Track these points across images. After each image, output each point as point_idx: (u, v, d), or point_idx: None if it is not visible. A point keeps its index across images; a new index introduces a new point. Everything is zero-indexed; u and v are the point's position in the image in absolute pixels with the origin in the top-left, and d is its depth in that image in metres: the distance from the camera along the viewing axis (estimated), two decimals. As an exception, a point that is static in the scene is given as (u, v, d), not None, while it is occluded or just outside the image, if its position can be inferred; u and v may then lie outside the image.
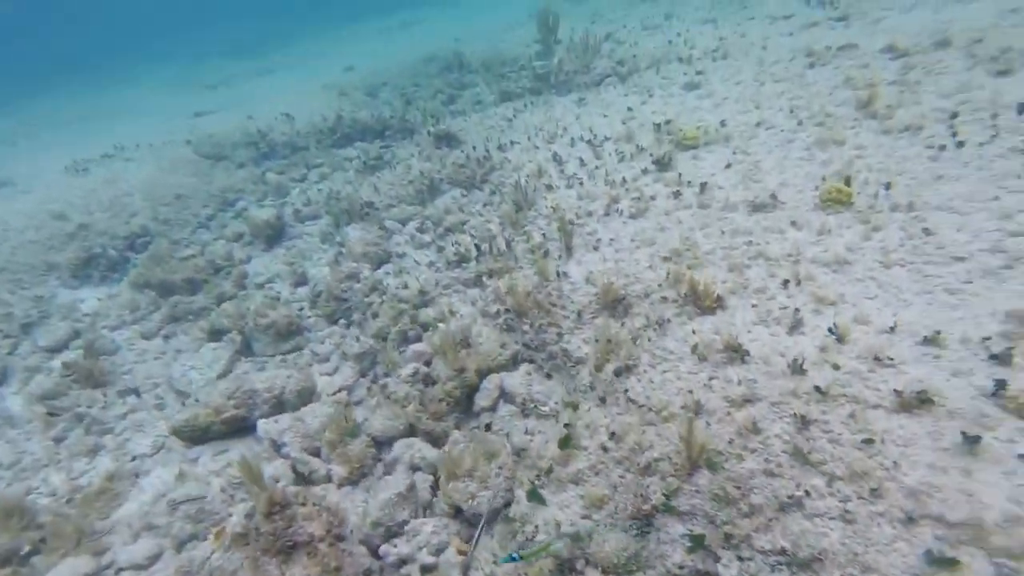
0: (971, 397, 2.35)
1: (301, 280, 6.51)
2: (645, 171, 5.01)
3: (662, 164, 4.92)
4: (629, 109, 6.65)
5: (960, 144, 3.94)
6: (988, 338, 2.57)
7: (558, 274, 4.19)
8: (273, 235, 7.52)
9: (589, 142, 6.01)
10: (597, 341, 3.50)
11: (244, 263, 7.32)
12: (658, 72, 7.87)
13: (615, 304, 3.72)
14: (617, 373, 3.20)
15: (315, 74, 16.37)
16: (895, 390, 2.44)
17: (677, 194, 4.45)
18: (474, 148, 7.18)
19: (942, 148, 4.00)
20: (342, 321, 5.51)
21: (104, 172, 10.38)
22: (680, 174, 4.69)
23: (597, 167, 5.48)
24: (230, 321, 5.81)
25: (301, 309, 5.93)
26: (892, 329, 2.78)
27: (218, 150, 10.76)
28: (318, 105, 12.10)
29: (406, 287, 5.30)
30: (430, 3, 27.07)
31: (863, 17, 7.73)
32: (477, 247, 5.13)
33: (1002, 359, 2.44)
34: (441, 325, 4.60)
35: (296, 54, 20.90)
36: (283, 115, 11.69)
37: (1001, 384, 2.29)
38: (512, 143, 6.93)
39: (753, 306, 3.24)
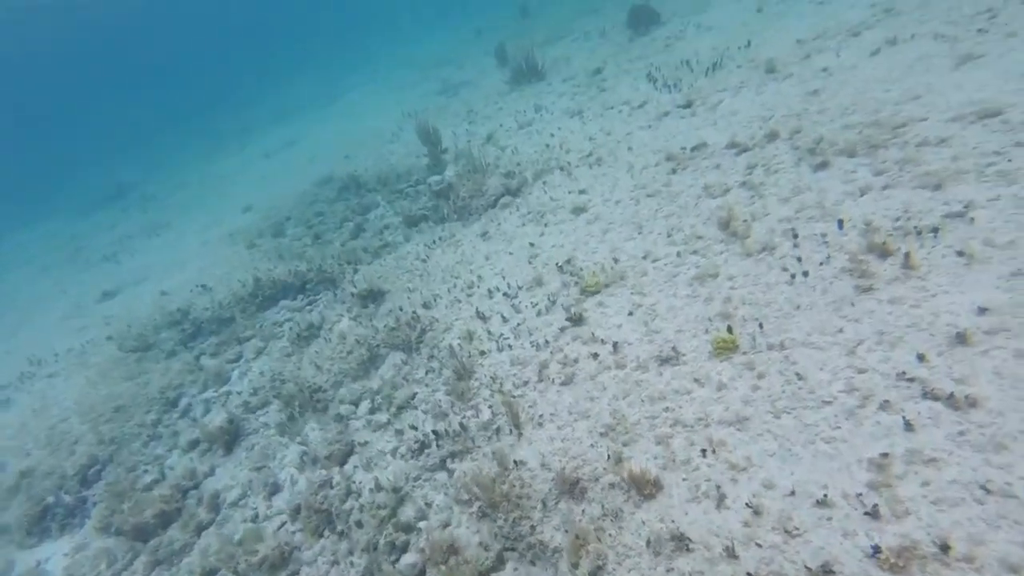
0: (859, 560, 3.03)
1: (273, 488, 6.73)
2: (562, 329, 5.65)
3: (575, 320, 5.59)
4: (531, 244, 7.35)
5: (805, 273, 4.79)
6: (860, 493, 3.29)
7: (515, 463, 4.72)
8: (230, 439, 7.68)
9: (505, 294, 6.63)
10: (567, 532, 4.04)
11: (209, 475, 7.43)
12: (545, 188, 8.66)
13: (572, 488, 4.28)
14: (592, 574, 3.73)
15: (215, 218, 16.40)
16: (806, 567, 3.10)
17: (595, 355, 5.11)
18: (401, 309, 7.67)
19: (793, 276, 4.85)
20: (329, 535, 5.80)
21: (29, 399, 10.11)
22: (593, 333, 5.36)
23: (519, 324, 6.09)
24: (220, 561, 5.96)
25: (283, 525, 6.16)
26: (793, 493, 3.47)
27: (142, 340, 10.72)
28: (230, 265, 12.24)
29: (379, 487, 5.67)
30: (298, 114, 27.47)
31: (703, 102, 8.84)
32: (435, 433, 5.59)
33: (873, 514, 3.15)
34: (423, 525, 5.01)
35: (189, 195, 20.73)
36: (199, 287, 11.78)
37: (876, 549, 2.98)
38: (435, 298, 7.46)
39: (683, 480, 3.87)
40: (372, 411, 6.79)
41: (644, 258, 6.01)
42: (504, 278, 6.98)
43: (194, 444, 8.02)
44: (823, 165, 6.13)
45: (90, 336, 11.75)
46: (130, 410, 9.10)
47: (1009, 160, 4.93)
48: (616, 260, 6.17)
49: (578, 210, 7.51)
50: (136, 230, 18.50)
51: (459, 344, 6.41)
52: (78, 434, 8.91)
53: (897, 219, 4.93)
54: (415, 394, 6.47)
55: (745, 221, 5.78)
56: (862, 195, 5.46)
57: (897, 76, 7.06)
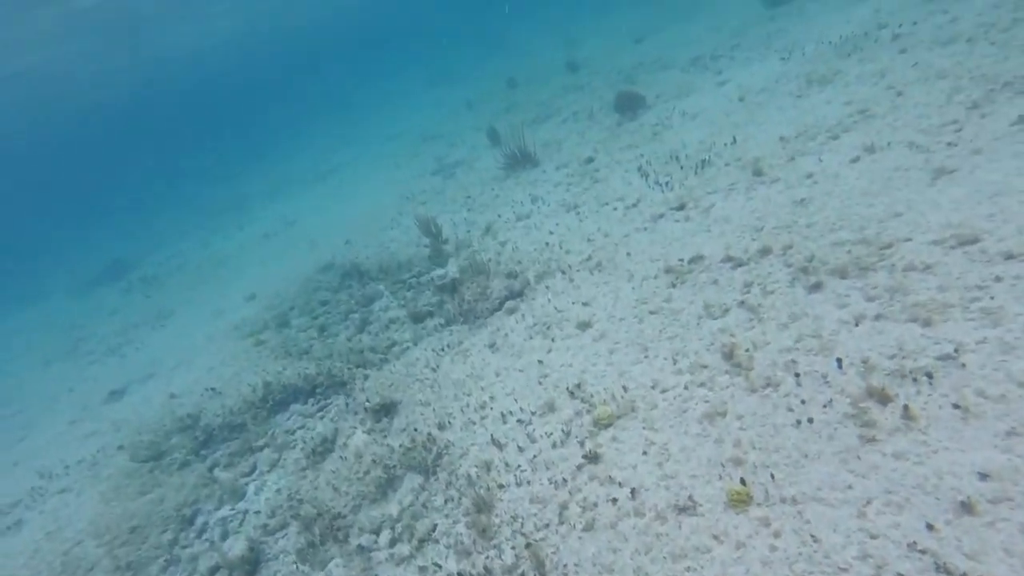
0: None
1: (297, 627, 6.75)
2: (579, 467, 5.84)
3: (591, 458, 5.78)
4: (540, 362, 7.59)
5: (810, 420, 5.03)
6: None
7: (544, 619, 4.83)
8: (251, 568, 7.70)
9: (519, 420, 6.83)
10: None
11: (230, 608, 7.42)
12: (548, 294, 8.98)
13: (602, 651, 4.39)
14: None
15: (219, 307, 16.63)
16: None
17: (614, 500, 5.29)
18: (416, 429, 7.84)
19: (799, 421, 5.09)
20: None
21: (41, 520, 10.09)
22: (611, 475, 5.55)
23: (535, 456, 6.26)
24: None
25: (310, 671, 6.18)
26: (819, 674, 3.62)
27: (154, 448, 10.79)
28: (239, 364, 12.39)
29: (407, 634, 5.74)
30: (293, 188, 28.10)
31: (696, 204, 9.25)
32: (460, 575, 5.69)
33: None
34: None
35: (189, 278, 21.00)
36: (209, 390, 11.91)
37: None
38: (449, 418, 7.64)
39: (712, 652, 4.01)
40: (393, 542, 6.87)
41: (653, 388, 6.25)
42: (516, 400, 7.19)
43: (214, 570, 8.03)
44: (817, 287, 6.45)
45: (100, 443, 11.80)
46: (146, 530, 9.12)
47: (991, 297, 5.25)
48: (625, 389, 6.40)
49: (583, 325, 7.79)
50: (139, 319, 18.67)
51: (476, 473, 6.56)
52: (94, 559, 8.89)
53: (892, 357, 5.20)
54: (435, 525, 6.58)
55: (747, 351, 6.05)
56: (856, 325, 5.75)
57: (878, 189, 7.47)
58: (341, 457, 8.51)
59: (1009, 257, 5.58)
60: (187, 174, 50.20)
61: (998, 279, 5.40)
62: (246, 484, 9.37)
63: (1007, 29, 9.72)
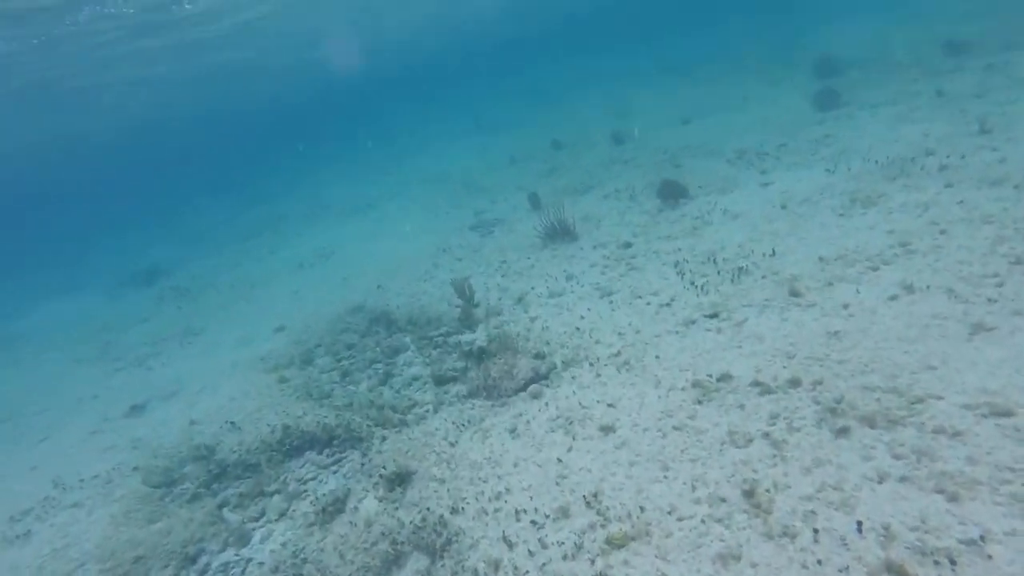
0: None
1: None
2: (589, 587, 5.88)
3: (601, 579, 5.82)
4: (559, 460, 7.69)
5: (826, 584, 5.05)
6: None
7: None
8: (249, 627, 7.77)
9: (532, 521, 6.90)
10: None
11: (221, 664, 7.47)
12: (574, 386, 9.12)
13: None
14: None
15: (247, 333, 17.02)
16: None
17: (621, 632, 5.31)
18: (428, 509, 7.94)
19: (814, 583, 5.10)
20: None
21: (49, 534, 10.29)
22: (621, 605, 5.58)
23: (545, 564, 6.31)
24: None
25: None
26: None
27: (167, 475, 11.00)
28: (261, 399, 12.65)
29: None
30: (330, 219, 28.89)
31: (729, 316, 9.39)
32: None
33: None
34: None
35: (220, 298, 21.54)
36: (228, 423, 12.16)
37: None
38: (463, 503, 7.73)
39: None
40: (393, 627, 6.90)
41: (670, 513, 6.29)
42: (532, 499, 7.26)
43: (210, 620, 8.10)
44: (843, 432, 6.50)
45: (116, 460, 12.05)
46: (149, 562, 9.25)
47: (1023, 484, 5.26)
48: (642, 509, 6.45)
49: (606, 429, 7.89)
50: (169, 332, 19.17)
51: (484, 570, 6.61)
52: (94, 585, 9.03)
53: (914, 529, 5.21)
54: (437, 618, 6.61)
55: (768, 491, 6.08)
56: (880, 483, 5.77)
57: (914, 336, 7.55)
58: (351, 522, 8.61)
59: (1042, 440, 5.60)
60: (226, 189, 51.89)
61: (1029, 463, 5.42)
62: (253, 530, 9.48)
63: (1056, 182, 9.85)
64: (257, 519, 9.78)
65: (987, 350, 6.95)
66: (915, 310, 8.02)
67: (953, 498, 5.36)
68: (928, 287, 8.37)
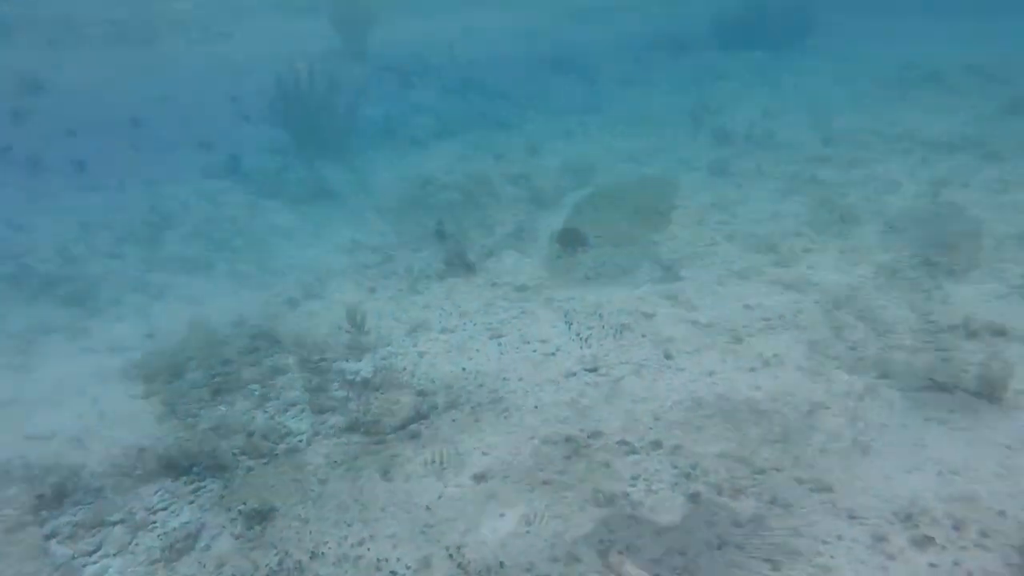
0: None
1: None
2: (439, 646, 5.89)
3: (453, 638, 5.86)
4: (428, 508, 7.69)
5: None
6: None
7: None
8: (61, 678, 6.98)
9: (392, 572, 6.83)
10: None
11: None
12: (453, 429, 9.18)
13: None
14: None
15: (113, 338, 15.56)
16: None
17: None
18: (287, 552, 7.63)
19: (648, 648, 5.44)
20: None
21: None
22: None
23: (400, 619, 6.27)
24: None
25: None
26: None
27: (-13, 496, 9.74)
28: (116, 416, 11.57)
29: None
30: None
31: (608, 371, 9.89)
32: None
33: None
34: None
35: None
36: (73, 439, 11.01)
37: None
38: (323, 550, 7.50)
39: None
40: None
41: (527, 571, 6.47)
42: (395, 547, 7.20)
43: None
44: (694, 497, 7.02)
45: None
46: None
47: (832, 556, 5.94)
48: (502, 565, 6.58)
49: (479, 478, 8.02)
50: None
51: (337, 623, 6.44)
52: None
53: (741, 597, 5.72)
54: (280, 672, 6.33)
55: (621, 553, 6.43)
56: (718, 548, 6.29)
57: (763, 417, 8.34)
58: (200, 561, 8.05)
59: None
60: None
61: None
62: (83, 566, 8.61)
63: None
64: (91, 553, 8.89)
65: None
66: (775, 384, 8.88)
67: (776, 567, 5.94)
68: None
